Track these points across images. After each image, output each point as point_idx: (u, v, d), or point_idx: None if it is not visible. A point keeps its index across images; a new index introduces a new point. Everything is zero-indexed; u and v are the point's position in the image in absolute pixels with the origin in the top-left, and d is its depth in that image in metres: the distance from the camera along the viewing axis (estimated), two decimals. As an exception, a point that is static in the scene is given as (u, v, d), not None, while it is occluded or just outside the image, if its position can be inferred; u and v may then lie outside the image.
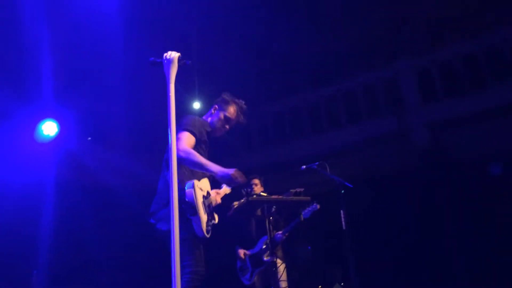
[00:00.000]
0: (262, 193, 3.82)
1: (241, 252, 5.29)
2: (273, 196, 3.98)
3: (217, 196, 3.48)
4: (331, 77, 9.52)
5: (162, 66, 2.70)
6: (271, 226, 4.96)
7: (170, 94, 2.58)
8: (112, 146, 8.72)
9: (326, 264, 5.57)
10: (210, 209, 3.33)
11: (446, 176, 7.90)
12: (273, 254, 4.72)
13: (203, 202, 3.22)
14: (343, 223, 4.65)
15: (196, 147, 3.36)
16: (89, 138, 7.99)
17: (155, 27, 7.37)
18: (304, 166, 5.45)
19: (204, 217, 3.17)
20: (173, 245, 2.32)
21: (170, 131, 2.48)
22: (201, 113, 9.82)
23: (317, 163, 5.31)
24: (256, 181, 5.49)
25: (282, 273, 5.05)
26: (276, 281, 4.83)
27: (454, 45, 8.35)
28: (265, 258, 5.24)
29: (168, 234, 3.03)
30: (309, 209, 5.10)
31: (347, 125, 9.06)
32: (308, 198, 4.26)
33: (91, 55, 6.18)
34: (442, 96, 8.18)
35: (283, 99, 9.98)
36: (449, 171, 7.91)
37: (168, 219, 2.98)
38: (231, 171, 3.17)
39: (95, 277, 7.26)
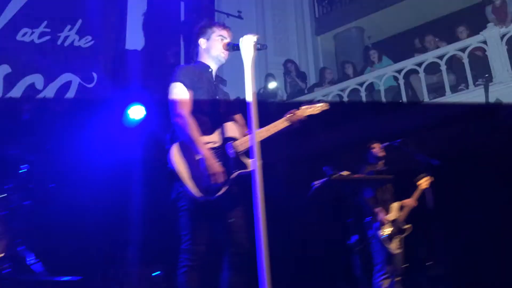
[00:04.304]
0: (342, 172, 3.76)
1: (386, 217, 5.15)
2: (355, 176, 3.91)
3: (244, 142, 3.03)
4: (409, 51, 9.10)
5: (239, 50, 2.68)
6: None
7: (249, 77, 2.57)
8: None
9: (411, 244, 5.44)
10: (229, 157, 2.96)
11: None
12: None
13: (200, 160, 2.85)
14: (429, 201, 4.52)
15: (196, 96, 3.05)
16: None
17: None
18: (385, 144, 5.34)
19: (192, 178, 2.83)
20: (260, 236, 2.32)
21: (250, 115, 2.49)
22: (276, 93, 9.84)
23: (399, 140, 5.18)
24: (376, 145, 5.44)
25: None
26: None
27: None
28: (404, 226, 5.21)
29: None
30: None
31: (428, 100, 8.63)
32: (391, 176, 4.15)
33: (171, 42, 6.39)
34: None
35: (359, 76, 9.67)
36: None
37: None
38: (216, 168, 2.82)
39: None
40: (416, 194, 5.30)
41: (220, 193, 2.85)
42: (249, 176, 2.63)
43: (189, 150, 2.90)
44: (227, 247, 2.99)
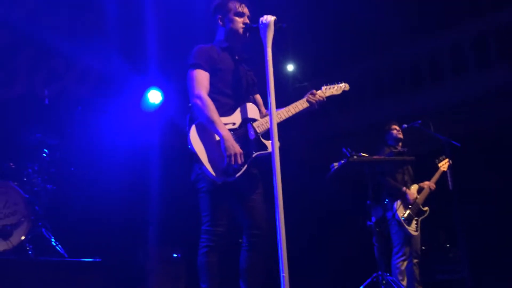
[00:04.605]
0: (362, 154, 3.74)
1: (412, 194, 5.13)
2: (375, 157, 3.88)
3: (264, 123, 2.99)
4: (432, 29, 8.92)
5: (257, 31, 2.65)
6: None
7: (268, 59, 2.52)
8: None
9: (430, 225, 5.41)
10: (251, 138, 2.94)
11: None
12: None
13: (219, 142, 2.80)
14: (449, 183, 4.47)
15: (216, 77, 3.03)
16: (190, 105, 8.27)
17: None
18: (406, 125, 5.28)
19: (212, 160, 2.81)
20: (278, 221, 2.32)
21: (269, 97, 2.46)
22: (295, 75, 9.81)
23: (420, 121, 5.11)
24: (395, 126, 5.40)
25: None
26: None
27: None
28: (422, 208, 5.19)
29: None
30: None
31: (452, 79, 8.51)
32: (412, 158, 4.11)
33: (189, 27, 6.35)
34: None
35: (383, 55, 9.54)
36: None
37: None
38: (234, 149, 2.76)
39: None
40: (436, 177, 5.25)
41: (238, 174, 2.81)
42: (268, 157, 2.61)
43: (208, 131, 2.86)
44: (247, 228, 2.97)
